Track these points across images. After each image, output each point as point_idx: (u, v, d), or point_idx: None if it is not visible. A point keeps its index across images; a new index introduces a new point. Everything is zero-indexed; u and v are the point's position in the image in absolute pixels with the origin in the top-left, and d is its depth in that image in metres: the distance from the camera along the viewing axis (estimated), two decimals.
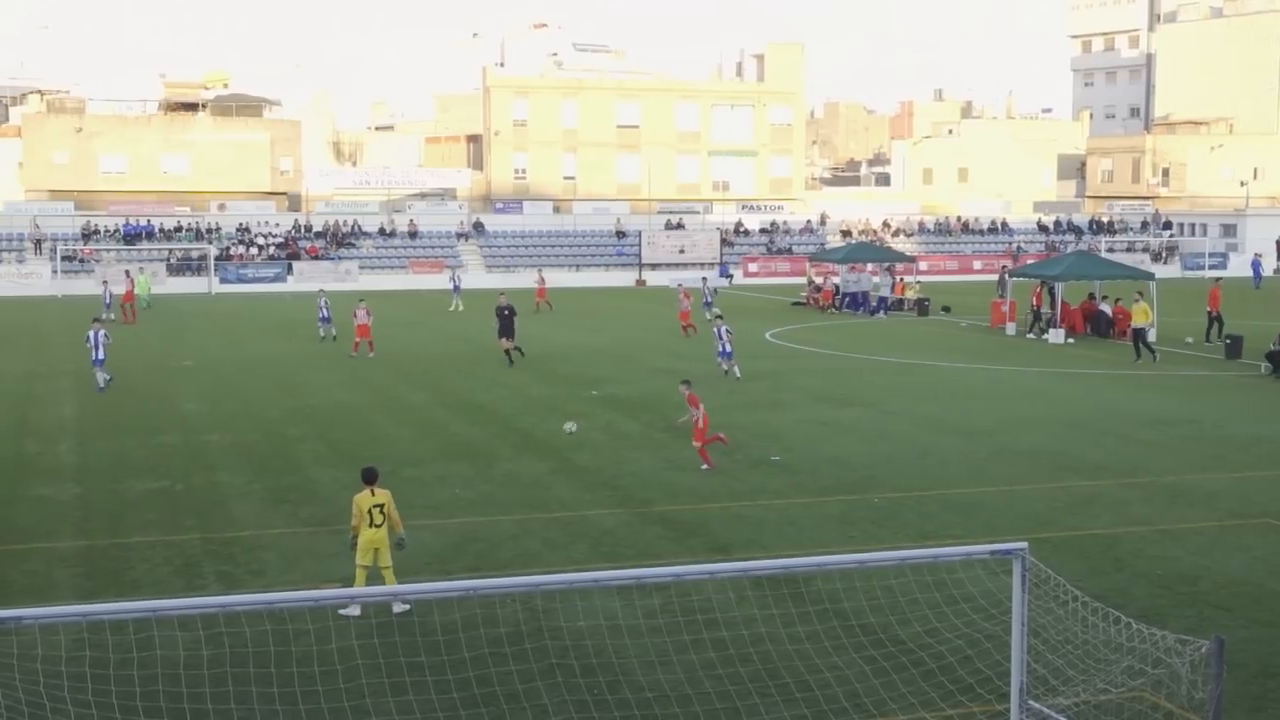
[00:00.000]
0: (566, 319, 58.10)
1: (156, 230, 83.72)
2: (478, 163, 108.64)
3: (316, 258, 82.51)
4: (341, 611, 16.50)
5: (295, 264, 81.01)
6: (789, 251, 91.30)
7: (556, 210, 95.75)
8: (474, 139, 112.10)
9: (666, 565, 17.60)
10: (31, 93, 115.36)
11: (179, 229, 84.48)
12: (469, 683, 14.07)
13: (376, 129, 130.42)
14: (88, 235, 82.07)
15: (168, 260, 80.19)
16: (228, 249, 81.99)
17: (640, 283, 62.27)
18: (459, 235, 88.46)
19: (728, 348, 38.04)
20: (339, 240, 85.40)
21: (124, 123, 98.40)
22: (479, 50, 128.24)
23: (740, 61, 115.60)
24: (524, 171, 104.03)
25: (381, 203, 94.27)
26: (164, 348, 47.23)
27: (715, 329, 39.30)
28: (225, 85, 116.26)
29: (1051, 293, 51.41)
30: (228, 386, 37.58)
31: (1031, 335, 50.70)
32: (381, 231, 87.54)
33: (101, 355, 36.42)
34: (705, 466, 26.01)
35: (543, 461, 27.05)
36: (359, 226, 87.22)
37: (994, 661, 14.40)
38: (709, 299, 57.91)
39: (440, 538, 21.03)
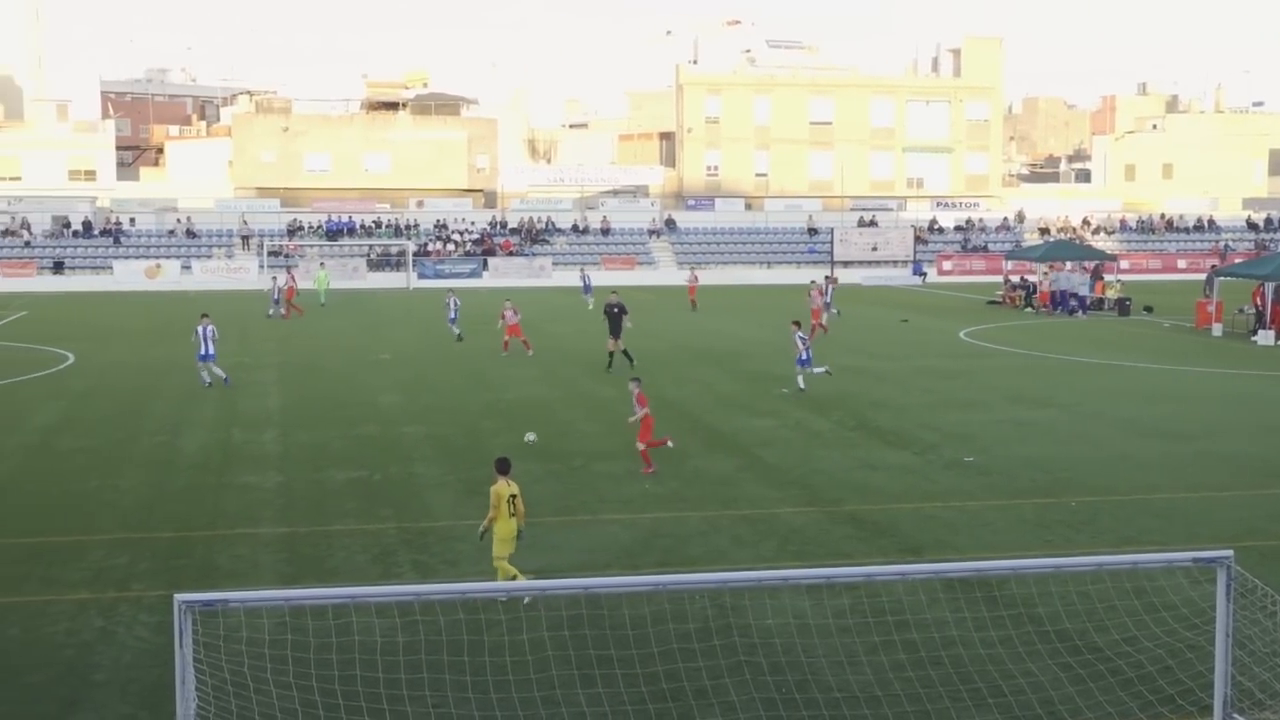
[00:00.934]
0: (754, 315, 57.96)
1: (357, 226, 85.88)
2: (670, 160, 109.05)
3: (511, 254, 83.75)
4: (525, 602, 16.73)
5: (490, 260, 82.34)
6: (984, 249, 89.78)
7: (748, 207, 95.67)
8: (666, 136, 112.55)
9: (857, 565, 17.42)
10: (241, 94, 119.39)
11: (379, 225, 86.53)
12: (657, 677, 14.12)
13: (570, 126, 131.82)
14: (292, 231, 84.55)
15: (368, 256, 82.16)
16: (425, 245, 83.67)
17: (832, 280, 61.44)
18: (651, 232, 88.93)
19: (808, 354, 35.55)
20: (533, 237, 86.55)
21: (328, 122, 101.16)
22: (672, 47, 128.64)
23: (936, 56, 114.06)
24: (716, 168, 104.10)
25: (575, 199, 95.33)
26: (363, 341, 48.41)
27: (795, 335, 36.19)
28: (424, 84, 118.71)
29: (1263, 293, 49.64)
30: (424, 380, 38.35)
31: (1255, 337, 48.58)
32: (574, 228, 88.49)
33: (210, 350, 36.13)
34: (646, 470, 25.28)
35: (731, 458, 27.02)
36: (552, 223, 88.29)
37: (1196, 673, 13.94)
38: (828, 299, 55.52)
39: (630, 532, 21.15)
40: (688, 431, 30.00)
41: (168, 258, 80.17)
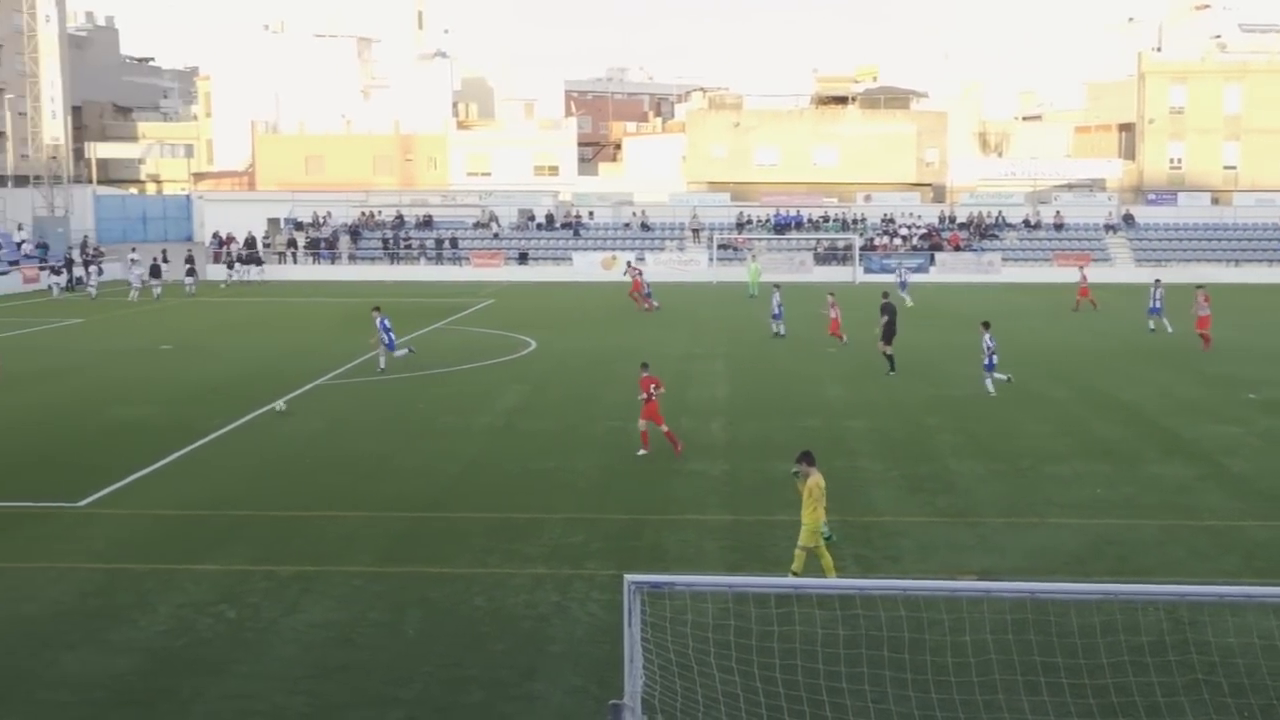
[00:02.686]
0: (1225, 316, 54.85)
1: (805, 220, 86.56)
2: (1129, 152, 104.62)
3: (958, 249, 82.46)
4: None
5: (938, 255, 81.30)
6: None
7: (1215, 202, 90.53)
8: (1125, 127, 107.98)
9: None
10: (695, 90, 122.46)
11: (826, 219, 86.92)
12: (1106, 690, 13.60)
13: (1024, 119, 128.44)
14: (741, 225, 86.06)
15: (814, 250, 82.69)
16: (871, 239, 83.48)
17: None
18: (1107, 227, 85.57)
19: (993, 359, 34.39)
20: (982, 232, 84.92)
21: (778, 117, 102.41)
22: (1134, 35, 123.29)
23: None
24: (1179, 161, 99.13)
25: (1027, 194, 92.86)
26: (808, 334, 48.73)
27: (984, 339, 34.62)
28: (874, 78, 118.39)
29: None
30: (868, 373, 38.24)
31: None
32: (1026, 223, 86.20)
33: (390, 340, 38.04)
34: (641, 451, 26.39)
35: (1191, 466, 25.69)
36: (1003, 218, 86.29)
37: None
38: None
39: (1079, 538, 20.47)
40: (1143, 436, 28.73)
41: (623, 249, 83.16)
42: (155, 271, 68.10)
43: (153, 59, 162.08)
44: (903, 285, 63.65)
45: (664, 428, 26.79)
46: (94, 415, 31.58)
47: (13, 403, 33.52)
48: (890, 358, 38.30)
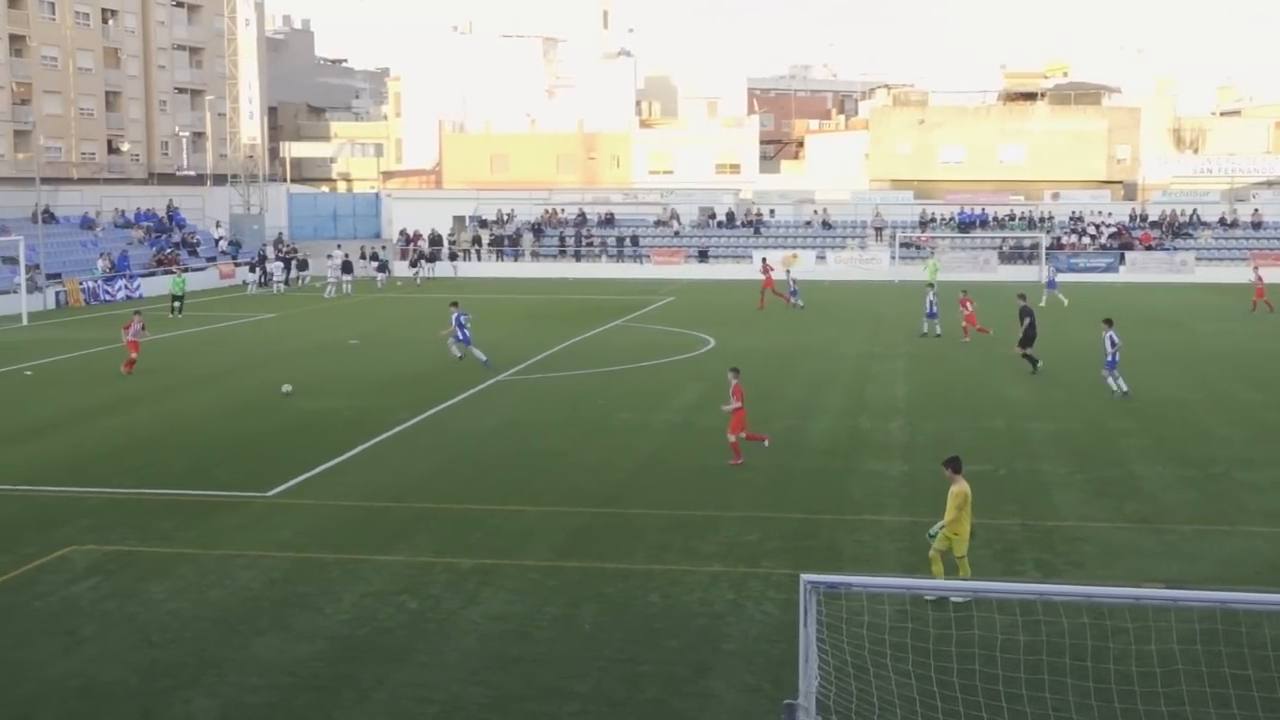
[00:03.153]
0: None
1: (990, 219, 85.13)
2: None
3: (1150, 248, 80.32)
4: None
5: (1128, 254, 79.30)
6: None
7: None
8: None
9: None
10: (879, 87, 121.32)
11: (1012, 218, 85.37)
12: None
13: (1221, 114, 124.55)
14: (924, 223, 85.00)
15: (999, 248, 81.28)
16: (1059, 238, 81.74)
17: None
18: None
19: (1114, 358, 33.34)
20: (1174, 230, 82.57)
21: (963, 114, 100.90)
22: None
23: None
24: None
25: (1223, 191, 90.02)
26: (993, 333, 47.88)
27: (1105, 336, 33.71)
28: (1064, 74, 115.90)
29: None
30: (1053, 375, 37.44)
31: None
32: (1221, 221, 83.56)
33: (464, 335, 38.93)
34: (734, 461, 25.21)
35: None
36: (1197, 216, 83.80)
37: None
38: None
39: (1274, 546, 19.78)
40: None
41: (804, 248, 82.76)
42: (347, 268, 69.89)
43: (346, 60, 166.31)
44: (1051, 284, 62.32)
45: (740, 436, 25.64)
46: (283, 408, 32.49)
47: (207, 395, 34.66)
48: (1030, 358, 37.80)
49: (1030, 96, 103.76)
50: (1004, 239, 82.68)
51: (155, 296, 64.76)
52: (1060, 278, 70.67)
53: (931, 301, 47.08)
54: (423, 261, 79.60)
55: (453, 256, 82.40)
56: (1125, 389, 33.09)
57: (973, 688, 13.32)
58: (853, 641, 13.72)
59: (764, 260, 68.42)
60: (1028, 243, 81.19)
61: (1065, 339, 46.36)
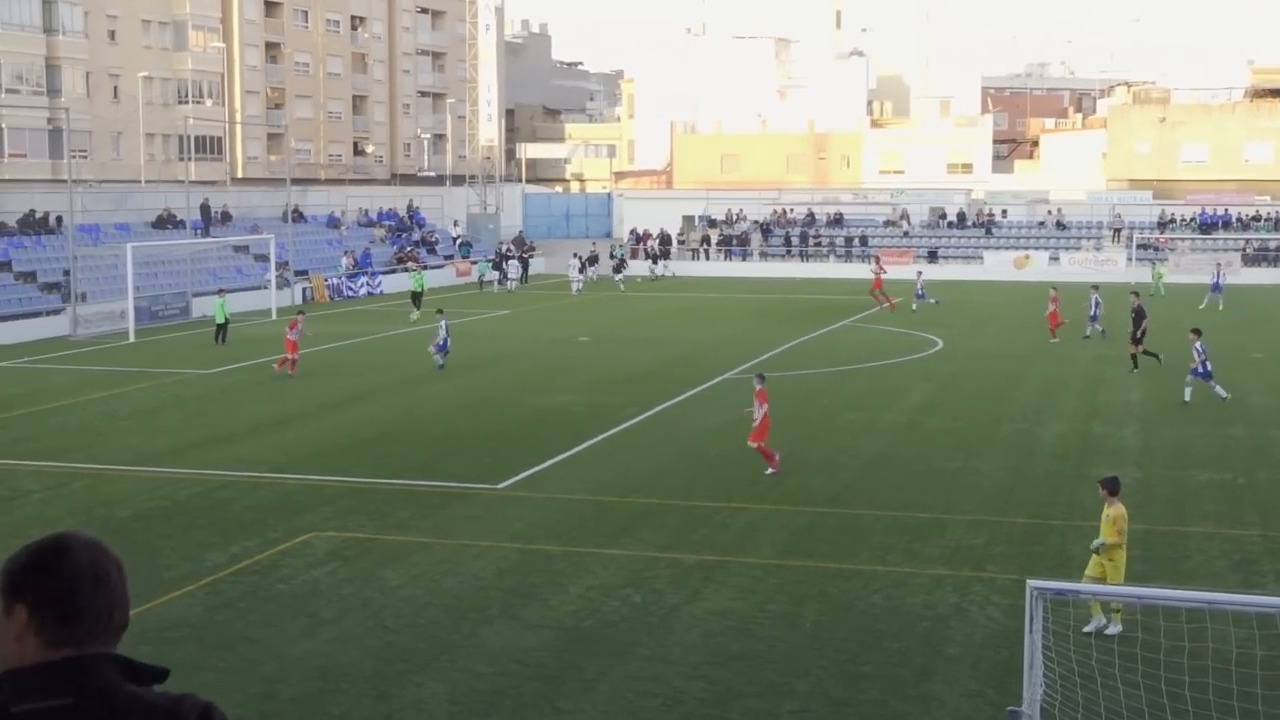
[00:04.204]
0: None
1: (1234, 219, 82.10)
2: None
3: None
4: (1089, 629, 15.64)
5: None
6: None
7: None
8: None
9: None
10: (1119, 85, 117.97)
11: (1256, 219, 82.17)
12: None
13: None
14: (1163, 224, 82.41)
15: (1243, 250, 78.34)
16: None
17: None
18: None
19: (1206, 366, 32.08)
20: None
21: (1207, 111, 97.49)
22: None
23: None
24: None
25: None
26: (1237, 339, 46.26)
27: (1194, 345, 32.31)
28: None
29: None
30: None
31: None
32: None
33: (439, 342, 38.08)
34: (770, 470, 24.35)
35: None
36: None
37: None
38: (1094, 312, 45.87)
39: None
40: None
41: (1036, 249, 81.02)
42: (584, 266, 70.97)
43: (581, 63, 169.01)
44: (1215, 288, 59.43)
45: (753, 444, 24.91)
46: (515, 403, 33.27)
47: (444, 390, 35.69)
48: (1134, 357, 37.47)
49: (1278, 93, 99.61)
50: (1247, 240, 79.61)
51: (395, 293, 66.80)
52: None
53: (1096, 302, 46.03)
54: (659, 261, 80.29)
55: (659, 257, 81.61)
56: (1220, 394, 32.10)
57: (1205, 701, 12.99)
58: (1080, 649, 13.52)
59: (876, 258, 67.00)
60: (1273, 244, 78.03)
61: None
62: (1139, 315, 37.97)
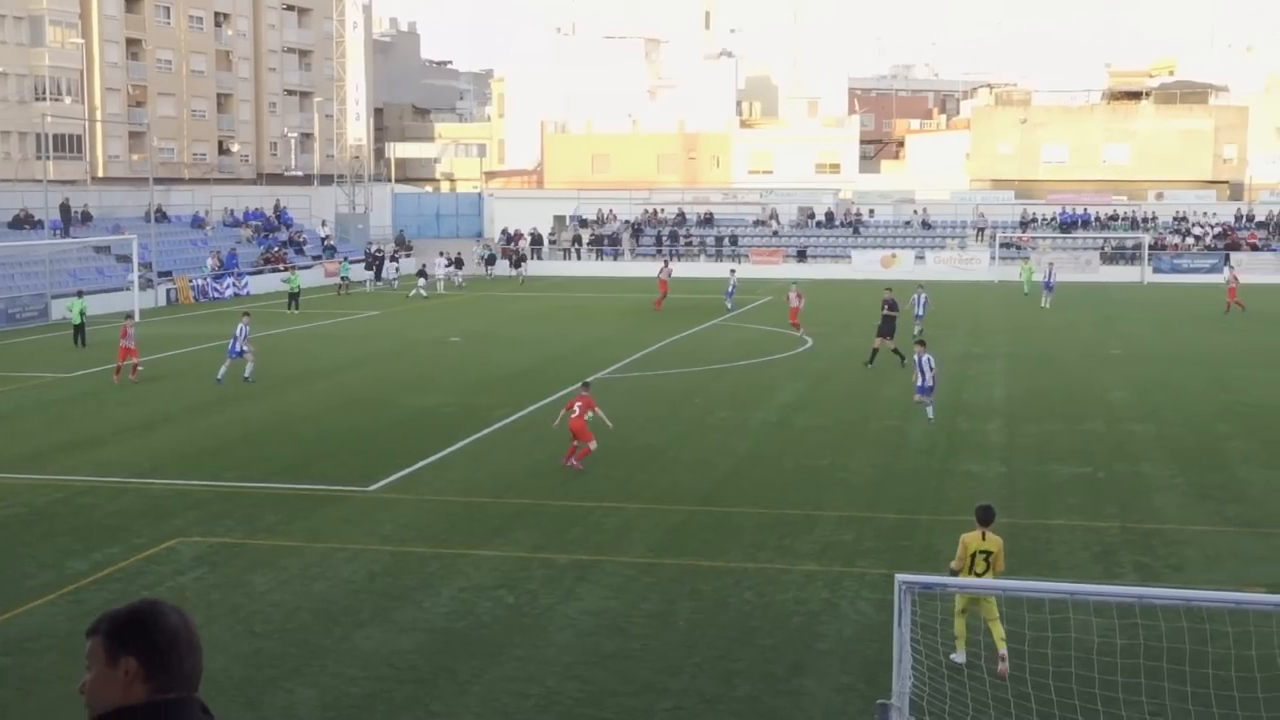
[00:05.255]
0: None
1: (1092, 219, 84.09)
2: None
3: (1256, 248, 78.88)
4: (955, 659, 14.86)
5: (1233, 255, 77.93)
6: None
7: None
8: None
9: None
10: (981, 87, 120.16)
11: (1114, 218, 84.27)
12: None
13: None
14: (1025, 223, 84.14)
15: (1101, 249, 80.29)
16: (1162, 238, 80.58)
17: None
18: None
19: (928, 381, 29.45)
20: None
21: (1067, 113, 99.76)
22: None
23: None
24: None
25: None
26: (1094, 335, 47.45)
27: (917, 357, 30.20)
28: (1171, 73, 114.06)
29: None
30: (1156, 377, 37.04)
31: None
32: None
33: (238, 347, 36.14)
34: (572, 462, 24.69)
35: None
36: None
37: None
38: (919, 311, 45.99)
39: None
40: None
41: (903, 248, 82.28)
42: (423, 270, 70.58)
43: (450, 62, 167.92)
44: (1048, 286, 59.78)
45: (581, 447, 24.84)
46: (387, 403, 32.99)
47: (314, 391, 35.27)
48: (876, 351, 38.49)
49: (1135, 95, 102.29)
50: (1106, 240, 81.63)
51: (262, 294, 65.93)
52: (1165, 279, 69.63)
53: (922, 301, 46.61)
54: (523, 263, 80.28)
55: (517, 261, 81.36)
56: (930, 415, 29.42)
57: (1068, 690, 13.29)
58: (948, 642, 13.75)
59: (665, 261, 69.36)
60: (1130, 243, 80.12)
61: (1172, 341, 45.80)
62: (891, 311, 38.85)
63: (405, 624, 16.62)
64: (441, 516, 21.89)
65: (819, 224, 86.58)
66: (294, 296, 58.44)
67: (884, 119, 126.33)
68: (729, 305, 57.41)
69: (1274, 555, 19.47)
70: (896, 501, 22.72)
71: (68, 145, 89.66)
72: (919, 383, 29.73)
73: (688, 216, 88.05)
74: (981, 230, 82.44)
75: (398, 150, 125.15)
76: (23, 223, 63.23)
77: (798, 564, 19.00)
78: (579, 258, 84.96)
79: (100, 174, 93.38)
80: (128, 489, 23.85)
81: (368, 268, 74.19)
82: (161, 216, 70.95)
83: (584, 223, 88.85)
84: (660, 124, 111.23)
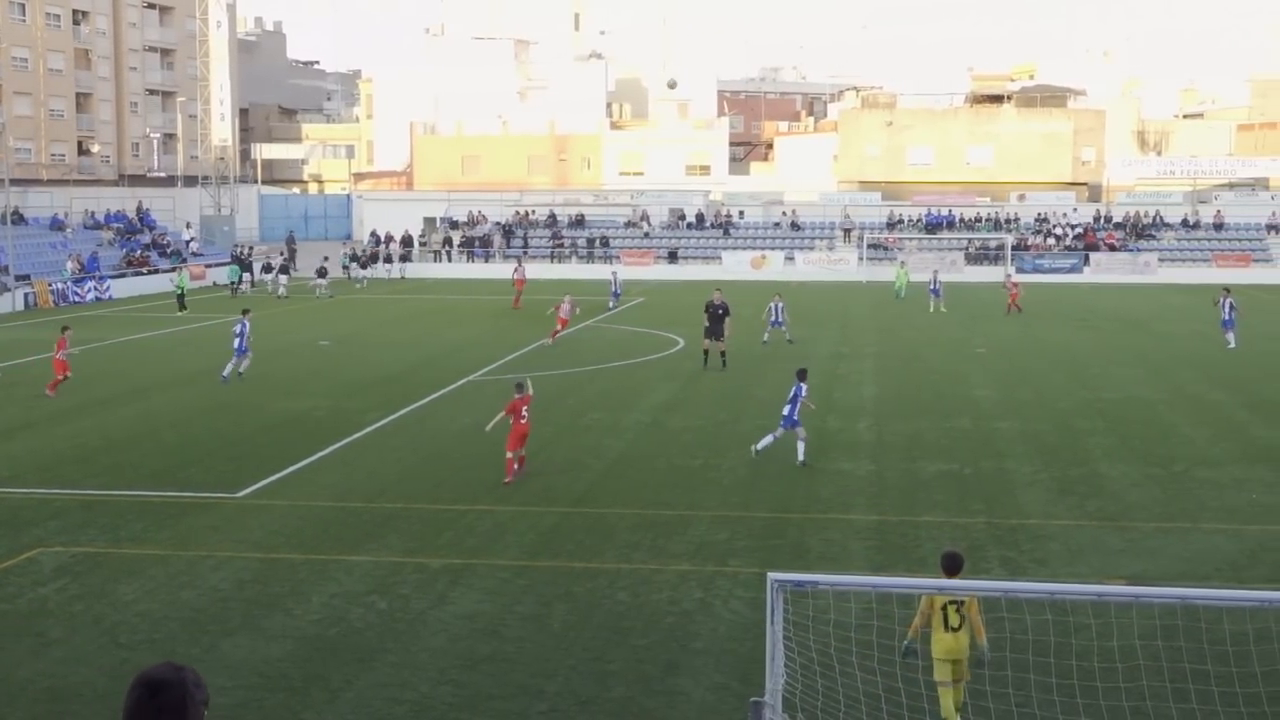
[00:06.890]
0: None
1: (957, 220, 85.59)
2: None
3: (1114, 249, 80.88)
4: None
5: (1092, 255, 79.84)
6: None
7: None
8: None
9: None
10: (848, 90, 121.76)
11: (979, 219, 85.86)
12: (1259, 699, 13.32)
13: (1184, 116, 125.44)
14: (892, 224, 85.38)
15: (966, 249, 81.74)
16: (1025, 239, 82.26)
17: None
18: (1269, 227, 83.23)
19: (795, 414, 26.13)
20: (1138, 232, 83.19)
21: (931, 115, 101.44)
22: None
23: None
24: None
25: (1186, 193, 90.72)
26: (961, 334, 48.26)
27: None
28: (1031, 76, 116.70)
29: None
30: (1020, 374, 37.81)
31: None
32: (1184, 223, 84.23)
33: (244, 345, 36.37)
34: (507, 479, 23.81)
35: None
36: (1160, 218, 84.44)
37: None
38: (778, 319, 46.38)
39: (1234, 543, 20.04)
40: None
41: (773, 249, 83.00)
42: (284, 269, 69.84)
43: (317, 63, 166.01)
44: (935, 292, 58.64)
45: (520, 453, 24.44)
46: (255, 408, 32.49)
47: (180, 396, 34.63)
48: (708, 354, 38.73)
49: (997, 99, 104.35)
50: (970, 240, 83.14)
51: (125, 298, 64.59)
52: (1027, 278, 70.96)
53: (779, 308, 46.22)
54: (392, 263, 79.71)
55: (387, 260, 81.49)
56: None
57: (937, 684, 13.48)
58: (820, 639, 13.88)
59: (518, 261, 70.28)
60: (993, 244, 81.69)
61: (1034, 339, 46.75)
62: (716, 311, 38.48)
63: (275, 631, 16.38)
64: (312, 522, 21.61)
65: (689, 225, 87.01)
66: (180, 297, 58.53)
67: (753, 121, 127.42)
68: (612, 305, 57.58)
69: (1133, 548, 19.95)
70: (768, 500, 22.91)
71: None
72: (786, 412, 26.30)
73: (559, 218, 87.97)
74: (849, 231, 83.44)
75: (264, 151, 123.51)
76: None
77: (671, 564, 19.08)
78: (450, 260, 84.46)
79: None
80: None
81: (244, 269, 73.25)
82: (18, 218, 69.20)
83: (454, 224, 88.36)
84: (530, 125, 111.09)
